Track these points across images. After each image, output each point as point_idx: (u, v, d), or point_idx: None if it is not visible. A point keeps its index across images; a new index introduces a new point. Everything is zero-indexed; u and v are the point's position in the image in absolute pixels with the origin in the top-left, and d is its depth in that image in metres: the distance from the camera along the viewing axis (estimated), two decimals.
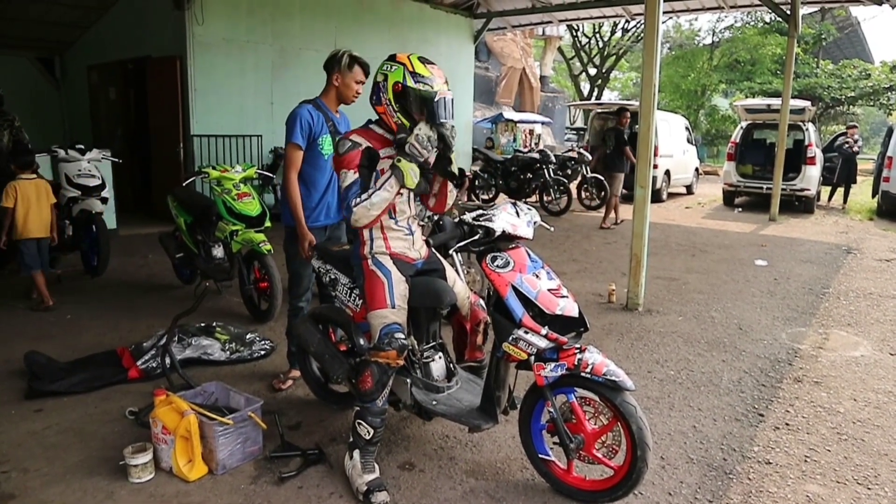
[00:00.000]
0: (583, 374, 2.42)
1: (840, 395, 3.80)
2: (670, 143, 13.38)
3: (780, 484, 2.83)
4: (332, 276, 3.03)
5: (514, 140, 19.24)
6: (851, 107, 28.19)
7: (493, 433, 3.13)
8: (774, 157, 11.11)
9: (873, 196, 13.01)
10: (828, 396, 3.79)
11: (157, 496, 2.62)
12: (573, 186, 11.59)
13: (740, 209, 12.54)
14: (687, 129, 15.08)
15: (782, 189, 11.13)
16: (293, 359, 3.70)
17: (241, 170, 5.33)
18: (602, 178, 11.41)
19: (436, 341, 2.97)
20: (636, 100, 14.72)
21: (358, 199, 2.54)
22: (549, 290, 2.51)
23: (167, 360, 3.63)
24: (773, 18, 23.98)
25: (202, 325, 4.31)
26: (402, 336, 2.60)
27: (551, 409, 2.54)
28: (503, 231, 2.56)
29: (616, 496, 2.53)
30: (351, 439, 2.70)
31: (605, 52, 25.28)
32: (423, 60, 2.62)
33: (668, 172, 13.29)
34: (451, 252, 3.37)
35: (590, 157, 11.64)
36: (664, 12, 10.24)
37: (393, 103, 2.61)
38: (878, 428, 3.39)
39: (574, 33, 24.98)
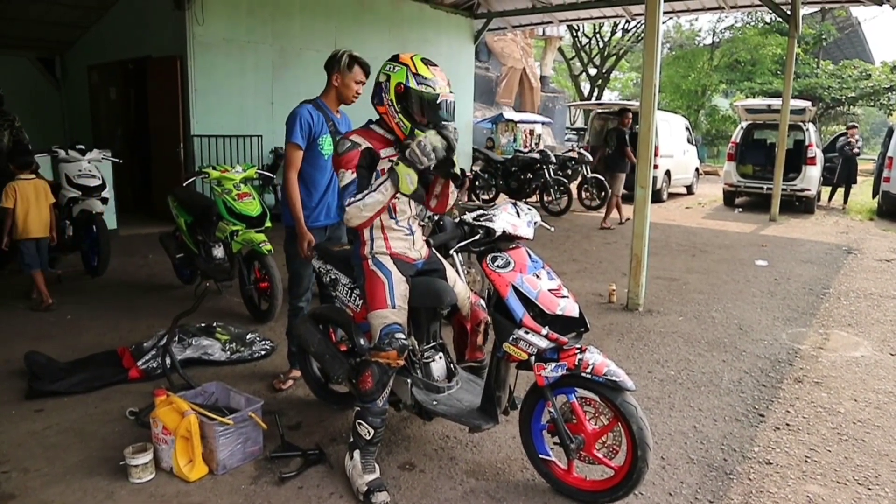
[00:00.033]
0: (583, 374, 2.42)
1: (840, 396, 3.80)
2: (671, 143, 13.38)
3: (781, 484, 2.83)
4: (333, 277, 3.03)
5: (515, 140, 19.23)
6: (852, 107, 28.20)
7: (494, 433, 3.13)
8: (775, 157, 11.10)
9: (874, 196, 13.01)
10: (828, 397, 3.78)
11: (158, 496, 2.62)
12: (573, 187, 11.59)
13: (741, 209, 12.54)
14: (687, 129, 15.08)
15: (783, 189, 11.13)
16: (293, 359, 3.70)
17: (242, 170, 5.33)
18: (602, 179, 11.43)
19: (436, 341, 2.97)
20: (636, 100, 14.73)
21: (352, 199, 2.54)
22: (549, 290, 2.51)
23: (167, 361, 3.63)
24: (773, 19, 23.99)
25: (202, 325, 4.31)
26: (403, 336, 2.60)
27: (552, 410, 2.54)
28: (504, 231, 2.56)
29: (616, 496, 2.53)
30: (351, 439, 2.70)
31: (606, 53, 25.28)
32: (426, 62, 2.62)
33: (668, 172, 13.29)
34: (451, 252, 3.37)
35: (590, 158, 11.65)
36: (664, 12, 10.23)
37: (395, 104, 2.61)
38: (878, 428, 3.39)
39: (574, 33, 24.98)
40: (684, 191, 15.23)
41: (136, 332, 4.56)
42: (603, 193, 11.41)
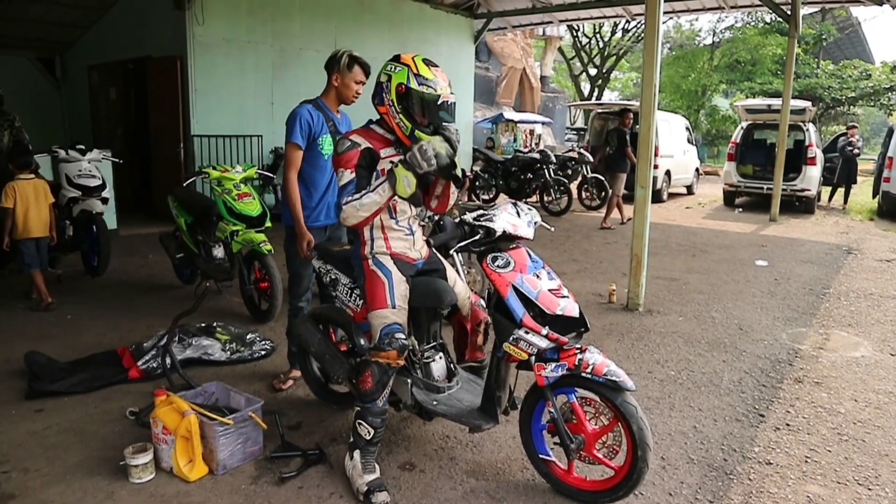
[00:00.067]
0: (583, 374, 2.42)
1: (841, 396, 3.80)
2: (671, 143, 13.38)
3: (781, 484, 2.83)
4: (333, 277, 3.03)
5: (515, 140, 19.23)
6: (852, 107, 28.20)
7: (494, 433, 3.13)
8: (775, 157, 11.11)
9: (874, 196, 13.01)
10: (828, 397, 3.78)
11: (158, 496, 2.62)
12: (573, 187, 11.59)
13: (741, 209, 12.54)
14: (687, 129, 15.08)
15: (783, 189, 11.13)
16: (293, 359, 3.70)
17: (242, 170, 5.33)
18: (602, 179, 11.43)
19: (436, 341, 2.97)
20: (636, 100, 14.73)
21: (349, 198, 2.53)
22: (549, 290, 2.51)
23: (167, 361, 3.63)
24: (773, 19, 23.99)
25: (202, 325, 4.31)
26: (403, 336, 2.60)
27: (552, 410, 2.54)
28: (504, 231, 2.56)
29: (617, 496, 2.53)
30: (351, 439, 2.70)
31: (606, 53, 25.28)
32: (428, 63, 2.62)
33: (668, 173, 13.29)
34: (451, 252, 3.37)
35: (590, 158, 11.65)
36: (665, 12, 10.23)
37: (395, 104, 2.61)
38: (878, 428, 3.39)
39: (574, 33, 24.98)
40: (684, 191, 15.23)
41: (137, 332, 4.56)
42: (603, 193, 11.42)
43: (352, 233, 2.88)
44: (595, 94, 25.34)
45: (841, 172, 13.07)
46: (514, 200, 2.78)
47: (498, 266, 2.54)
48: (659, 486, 2.77)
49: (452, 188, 2.77)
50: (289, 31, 9.79)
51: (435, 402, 2.78)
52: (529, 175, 11.18)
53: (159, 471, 2.77)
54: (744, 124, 13.22)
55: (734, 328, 5.03)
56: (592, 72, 25.67)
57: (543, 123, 21.60)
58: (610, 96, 32.29)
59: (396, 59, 2.64)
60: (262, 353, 4.20)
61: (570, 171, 11.83)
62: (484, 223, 2.58)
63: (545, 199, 10.99)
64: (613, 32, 25.14)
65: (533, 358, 2.48)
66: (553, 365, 2.47)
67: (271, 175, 7.02)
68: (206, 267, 5.30)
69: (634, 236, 5.35)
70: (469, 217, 2.65)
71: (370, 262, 2.73)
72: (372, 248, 2.75)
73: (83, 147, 6.11)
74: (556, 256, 7.53)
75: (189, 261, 5.53)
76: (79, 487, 2.66)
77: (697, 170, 16.01)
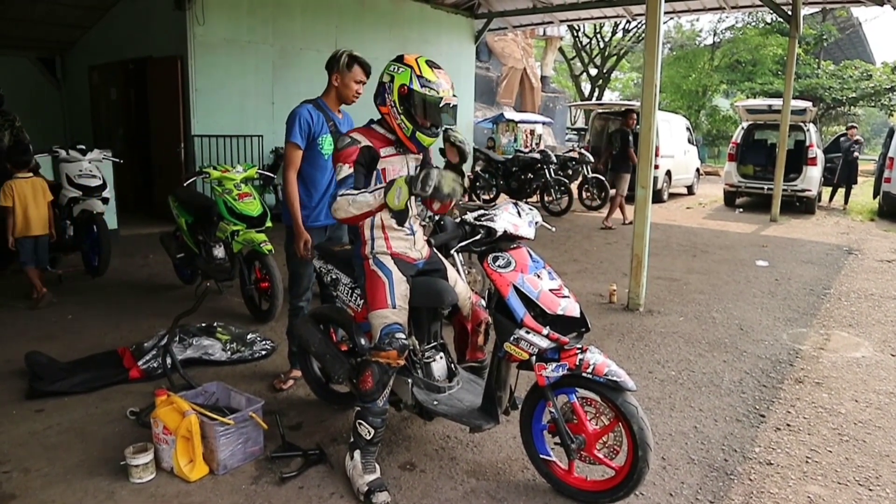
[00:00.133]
0: (584, 374, 2.41)
1: (841, 396, 3.80)
2: (671, 143, 13.38)
3: (782, 485, 2.83)
4: (334, 276, 3.03)
5: (515, 140, 19.21)
6: (852, 107, 28.17)
7: (494, 433, 3.13)
8: (775, 157, 11.10)
9: (874, 197, 13.00)
10: (829, 397, 3.78)
11: (158, 496, 2.61)
12: (574, 187, 11.59)
13: (741, 210, 12.54)
14: (688, 129, 15.08)
15: (783, 190, 11.13)
16: (294, 359, 3.70)
17: (242, 170, 5.33)
18: (602, 179, 11.43)
19: (437, 341, 2.97)
20: (637, 100, 14.72)
21: (345, 192, 2.52)
22: (550, 290, 2.51)
23: (168, 361, 3.64)
24: (774, 19, 23.99)
25: (203, 325, 4.31)
26: (403, 336, 2.60)
27: (552, 410, 2.53)
28: (505, 231, 2.56)
29: (617, 497, 2.53)
30: (351, 439, 2.70)
31: (606, 53, 25.27)
32: (431, 64, 2.62)
33: (669, 173, 13.29)
34: (452, 252, 3.37)
35: (591, 158, 11.64)
36: (665, 13, 10.24)
37: (397, 105, 2.60)
38: (879, 429, 3.39)
39: (575, 34, 24.97)
40: (685, 191, 15.22)
41: (137, 332, 4.56)
42: (603, 193, 11.42)
43: (352, 232, 2.88)
44: (595, 94, 25.34)
45: (841, 173, 13.06)
46: (514, 200, 2.78)
47: (499, 266, 2.54)
48: (659, 487, 2.77)
49: None
50: (289, 31, 9.79)
51: (435, 402, 2.78)
52: (530, 175, 11.18)
53: (160, 471, 2.77)
54: (744, 124, 13.22)
55: (735, 328, 5.03)
56: (593, 72, 25.67)
57: (544, 123, 21.58)
58: (610, 96, 32.29)
59: (400, 59, 2.64)
60: (263, 353, 4.20)
61: (570, 172, 11.84)
62: (485, 223, 2.58)
63: (546, 199, 10.99)
64: (614, 32, 25.14)
65: (534, 358, 2.48)
66: (554, 365, 2.47)
67: (272, 175, 7.02)
68: (206, 267, 5.30)
69: (635, 236, 5.35)
70: (470, 217, 2.65)
71: (371, 261, 2.73)
72: (372, 247, 2.75)
73: (84, 147, 6.11)
74: (556, 256, 7.53)
75: (189, 261, 5.52)
76: (79, 487, 2.66)
77: (698, 170, 16.01)
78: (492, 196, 12.03)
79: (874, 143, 32.04)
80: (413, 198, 2.43)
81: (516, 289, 2.48)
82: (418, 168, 2.88)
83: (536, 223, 2.69)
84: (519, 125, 19.49)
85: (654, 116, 5.21)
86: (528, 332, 2.45)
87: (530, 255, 2.63)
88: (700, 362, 4.29)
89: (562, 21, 15.48)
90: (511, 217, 2.61)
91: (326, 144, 3.48)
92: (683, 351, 4.50)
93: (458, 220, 2.58)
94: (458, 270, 3.46)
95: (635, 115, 9.83)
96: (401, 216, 2.49)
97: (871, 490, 2.81)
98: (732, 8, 12.61)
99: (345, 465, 2.74)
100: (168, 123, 8.87)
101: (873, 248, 8.71)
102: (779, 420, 3.47)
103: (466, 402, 2.81)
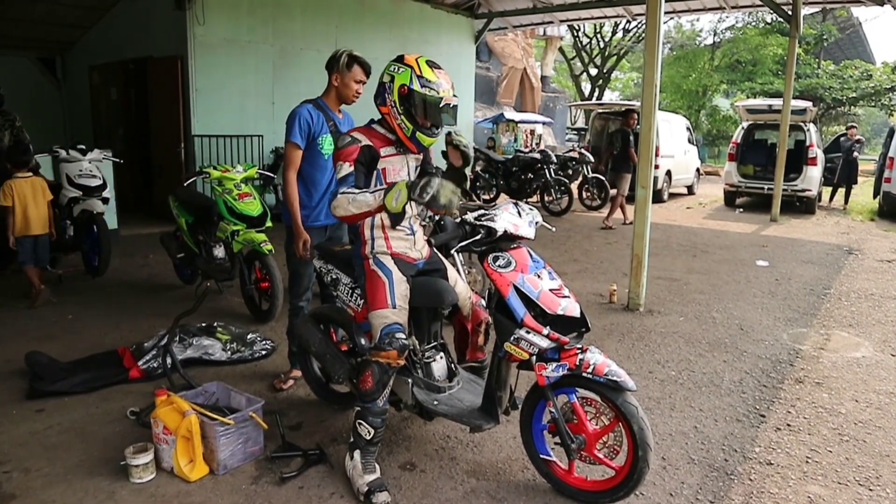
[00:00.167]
0: (584, 374, 2.41)
1: (841, 396, 3.80)
2: (671, 143, 13.38)
3: (782, 485, 2.83)
4: (334, 276, 3.03)
5: (516, 140, 19.21)
6: (853, 107, 28.16)
7: (495, 433, 3.13)
8: (776, 157, 11.10)
9: (874, 197, 13.00)
10: (829, 397, 3.78)
11: (159, 496, 2.62)
12: (574, 187, 11.59)
13: (741, 210, 12.54)
14: (688, 129, 15.08)
15: (783, 190, 11.12)
16: (294, 359, 3.70)
17: (243, 170, 5.33)
18: (602, 179, 11.43)
19: (437, 341, 2.97)
20: (637, 100, 14.72)
21: (346, 189, 2.50)
22: (550, 290, 2.51)
23: (168, 361, 3.64)
24: (774, 19, 23.98)
25: (203, 325, 4.31)
26: (403, 336, 2.60)
27: (553, 410, 2.53)
28: (505, 231, 2.55)
29: (617, 497, 2.53)
30: (351, 440, 2.70)
31: (607, 53, 25.27)
32: (431, 64, 2.62)
33: (669, 173, 13.29)
34: (452, 252, 3.36)
35: (591, 158, 11.64)
36: (665, 13, 10.24)
37: (397, 105, 2.60)
38: (879, 429, 3.39)
39: (575, 33, 24.97)
40: (685, 191, 15.22)
41: (137, 331, 4.56)
42: (603, 193, 11.42)
43: (352, 232, 2.88)
44: (596, 94, 25.33)
45: (841, 173, 13.06)
46: (514, 200, 2.78)
47: (499, 266, 2.54)
48: (660, 487, 2.77)
49: None
50: (289, 31, 9.79)
51: (436, 402, 2.78)
52: (530, 175, 11.18)
53: (160, 471, 2.77)
54: (744, 124, 13.22)
55: (735, 328, 5.03)
56: (593, 72, 25.67)
57: (544, 123, 21.59)
58: (610, 96, 32.29)
59: (400, 59, 2.64)
60: (263, 352, 4.20)
61: (570, 171, 11.83)
62: (485, 223, 2.57)
63: (546, 199, 10.99)
64: (614, 32, 25.14)
65: (534, 358, 2.48)
66: (554, 365, 2.47)
67: (272, 175, 7.02)
68: (206, 267, 5.30)
69: (635, 236, 5.35)
70: (470, 217, 2.64)
71: (371, 261, 2.73)
72: (373, 247, 2.75)
73: (84, 147, 6.11)
74: (556, 256, 7.53)
75: (190, 261, 5.53)
76: (80, 487, 2.66)
77: (698, 170, 16.01)
78: (492, 196, 12.03)
79: (874, 143, 32.03)
80: (411, 202, 2.42)
81: (516, 289, 2.48)
82: (418, 168, 2.89)
83: (537, 223, 2.69)
84: (519, 125, 19.50)
85: (654, 116, 5.21)
86: (528, 332, 2.45)
87: (530, 255, 2.63)
88: (700, 362, 4.29)
89: (562, 21, 15.48)
90: (511, 217, 2.60)
91: (326, 144, 3.48)
92: (683, 351, 4.50)
93: (458, 220, 2.58)
94: (458, 270, 3.46)
95: (636, 115, 9.83)
96: (396, 219, 2.47)
97: (871, 490, 2.81)
98: (732, 8, 12.61)
99: (345, 465, 2.74)
100: (168, 123, 8.87)
101: (873, 248, 8.71)
102: (779, 420, 3.47)
103: (466, 402, 2.81)
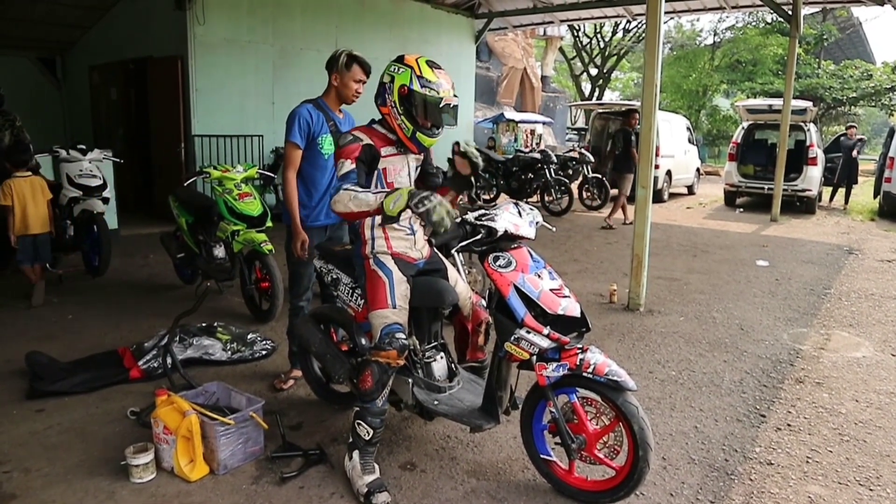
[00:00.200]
0: (585, 374, 2.41)
1: (842, 396, 3.79)
2: (672, 143, 13.38)
3: (782, 485, 2.83)
4: (334, 276, 3.03)
5: (516, 140, 19.21)
6: (853, 107, 28.17)
7: (495, 433, 3.13)
8: (776, 157, 11.10)
9: (875, 197, 13.00)
10: (829, 397, 3.78)
11: (159, 496, 2.61)
12: (574, 187, 11.59)
13: (741, 209, 12.54)
14: (688, 129, 15.08)
15: (784, 189, 11.13)
16: (294, 359, 3.70)
17: (243, 170, 5.33)
18: (602, 178, 11.42)
19: (437, 341, 2.97)
20: (637, 100, 14.71)
21: (350, 186, 2.47)
22: (551, 289, 2.51)
23: (168, 360, 3.64)
24: (774, 19, 23.98)
25: (203, 325, 4.31)
26: (403, 336, 2.60)
27: (553, 410, 2.53)
28: (505, 231, 2.55)
29: (618, 497, 2.53)
30: (350, 440, 2.70)
31: (607, 53, 25.26)
32: (431, 64, 2.61)
33: (669, 173, 13.29)
34: (452, 252, 3.36)
35: (591, 158, 11.64)
36: (665, 13, 10.24)
37: (398, 106, 2.60)
38: (880, 429, 3.39)
39: (575, 33, 24.97)
40: (685, 191, 15.22)
41: (137, 331, 4.56)
42: (604, 193, 11.42)
43: (353, 232, 2.88)
44: (596, 94, 25.33)
45: (841, 173, 13.07)
46: (515, 200, 2.78)
47: (499, 265, 2.53)
48: (660, 487, 2.77)
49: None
50: (290, 31, 9.79)
51: (436, 402, 2.78)
52: (530, 175, 11.17)
53: (160, 471, 2.77)
54: (745, 124, 13.22)
55: (735, 328, 5.03)
56: (593, 72, 25.66)
57: (544, 123, 21.59)
58: (611, 96, 32.28)
59: (400, 59, 2.64)
60: (263, 352, 4.20)
61: (570, 171, 11.82)
62: (486, 223, 2.57)
63: (546, 198, 10.98)
64: (614, 32, 25.13)
65: (534, 358, 2.47)
66: (554, 365, 2.47)
67: (272, 175, 7.02)
68: (206, 267, 5.30)
69: (635, 236, 5.35)
70: (471, 217, 2.64)
71: (371, 261, 2.73)
72: (373, 247, 2.75)
73: (84, 147, 6.11)
74: (557, 256, 7.53)
75: (190, 261, 5.52)
76: (80, 487, 2.66)
77: (698, 170, 16.01)
78: (492, 196, 12.03)
79: (874, 143, 32.02)
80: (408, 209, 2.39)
81: (517, 288, 2.48)
82: (419, 168, 2.89)
83: (537, 223, 2.69)
84: (519, 125, 19.50)
85: (654, 116, 5.21)
86: (528, 332, 2.44)
87: (531, 255, 2.63)
88: (700, 362, 4.29)
89: (562, 21, 15.48)
90: (512, 217, 2.60)
91: (326, 144, 3.48)
92: (684, 351, 4.50)
93: (458, 219, 2.58)
94: (458, 270, 3.46)
95: (637, 115, 9.82)
96: (388, 221, 2.45)
97: (871, 490, 2.81)
98: (733, 8, 12.61)
99: (344, 465, 2.73)
100: (168, 123, 8.87)
101: (874, 248, 8.71)
102: (779, 420, 3.46)
103: (467, 402, 2.80)
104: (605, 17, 15.40)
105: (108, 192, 6.19)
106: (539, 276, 2.54)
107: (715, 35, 29.15)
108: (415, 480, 2.78)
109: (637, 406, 2.41)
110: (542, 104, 27.12)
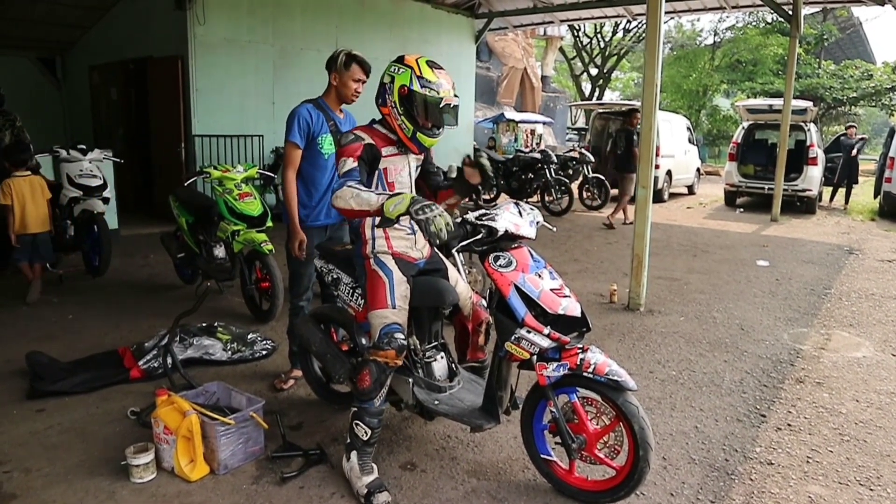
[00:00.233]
0: (585, 373, 2.41)
1: (842, 396, 3.79)
2: (672, 143, 13.38)
3: (783, 485, 2.83)
4: (335, 276, 3.03)
5: (516, 140, 19.22)
6: (853, 107, 28.17)
7: (495, 433, 3.13)
8: (776, 157, 11.10)
9: (875, 197, 13.00)
10: (830, 397, 3.78)
11: (159, 496, 2.61)
12: (574, 186, 11.58)
13: (742, 209, 12.54)
14: (688, 129, 15.08)
15: (784, 189, 11.12)
16: (295, 358, 3.70)
17: (243, 170, 5.33)
18: (603, 178, 11.42)
19: (438, 341, 2.97)
20: (638, 100, 14.71)
21: (354, 183, 2.45)
22: (551, 289, 2.51)
23: (169, 360, 3.64)
24: (774, 19, 23.98)
25: (204, 325, 4.31)
26: (402, 336, 2.59)
27: (553, 409, 2.53)
28: (506, 231, 2.55)
29: (618, 496, 2.52)
30: (348, 441, 2.69)
31: (607, 53, 25.26)
32: (432, 65, 2.61)
33: (669, 173, 13.29)
34: (453, 252, 3.36)
35: (591, 158, 11.63)
36: (666, 12, 10.23)
37: (398, 106, 2.60)
38: (880, 429, 3.39)
39: (575, 33, 24.97)
40: (685, 191, 15.22)
41: (138, 331, 4.56)
42: (604, 193, 11.41)
43: (353, 232, 2.87)
44: (596, 94, 25.33)
45: (842, 172, 13.06)
46: (515, 200, 2.78)
47: (500, 265, 2.53)
48: (660, 487, 2.76)
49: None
50: (290, 31, 9.79)
51: (436, 402, 2.78)
52: (530, 175, 11.17)
53: (160, 471, 2.77)
54: (745, 124, 13.22)
55: (735, 328, 5.02)
56: (593, 72, 25.66)
57: (544, 123, 21.60)
58: (611, 96, 32.29)
59: (400, 60, 2.64)
60: (264, 352, 4.20)
61: (571, 171, 11.82)
62: (486, 222, 2.57)
63: (546, 198, 10.98)
64: (614, 32, 25.13)
65: (535, 357, 2.47)
66: (555, 364, 2.47)
67: (272, 175, 7.02)
68: (207, 267, 5.30)
69: (636, 236, 5.35)
70: (471, 216, 2.64)
71: (371, 261, 2.73)
72: (373, 247, 2.75)
73: (84, 147, 6.11)
74: (557, 256, 7.53)
75: (190, 260, 5.52)
76: (80, 487, 2.66)
77: (699, 170, 16.01)
78: (492, 196, 12.02)
79: (875, 143, 32.03)
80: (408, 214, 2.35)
81: (517, 288, 2.48)
82: (419, 168, 2.89)
83: (537, 223, 2.69)
84: (519, 125, 19.51)
85: (654, 116, 5.21)
86: (529, 332, 2.44)
87: (531, 255, 2.63)
88: (701, 362, 4.28)
89: (562, 21, 15.47)
90: (512, 217, 2.60)
91: (326, 144, 3.48)
92: (684, 351, 4.50)
93: (458, 219, 2.58)
94: (458, 270, 3.46)
95: (639, 115, 9.80)
96: (385, 223, 2.43)
97: (872, 490, 2.81)
98: (733, 8, 12.60)
99: (342, 467, 2.73)
100: (168, 123, 8.87)
101: (874, 248, 8.71)
102: (780, 420, 3.46)
103: (467, 402, 2.80)
104: (606, 17, 15.40)
105: (109, 192, 6.19)
106: (539, 276, 2.54)
107: (715, 35, 29.19)
108: (415, 480, 2.78)
109: (637, 406, 2.41)
110: (543, 104, 27.13)
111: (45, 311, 5.07)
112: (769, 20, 25.41)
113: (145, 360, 3.78)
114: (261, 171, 5.94)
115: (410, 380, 2.80)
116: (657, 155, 10.53)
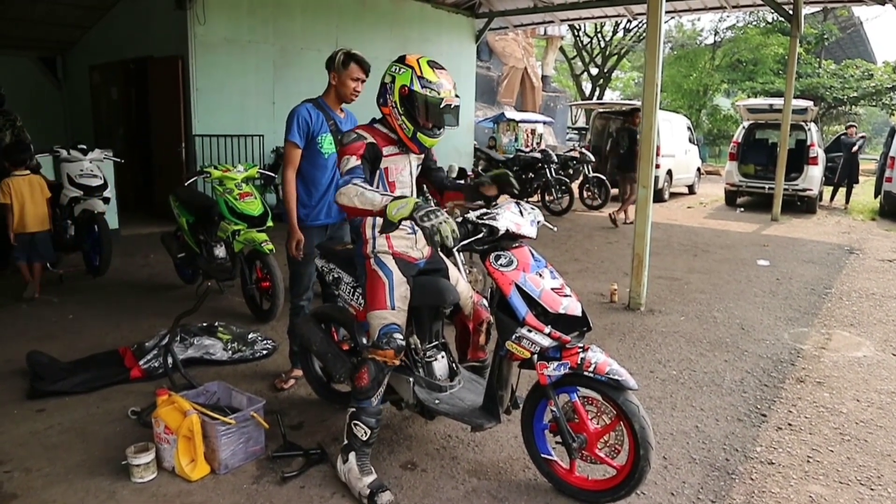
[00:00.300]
0: (586, 373, 2.41)
1: (843, 396, 3.79)
2: (672, 142, 13.38)
3: (783, 484, 2.83)
4: (336, 275, 3.03)
5: (516, 140, 19.23)
6: (854, 107, 28.16)
7: (496, 433, 3.13)
8: (776, 157, 11.09)
9: (875, 196, 12.99)
10: (830, 397, 3.78)
11: (160, 496, 2.61)
12: (575, 186, 11.58)
13: (742, 209, 12.53)
14: (689, 128, 15.08)
15: (784, 189, 11.12)
16: (295, 358, 3.70)
17: (243, 169, 5.34)
18: (603, 178, 11.41)
19: (438, 340, 2.97)
20: (638, 99, 14.71)
21: (359, 181, 2.45)
22: (552, 288, 2.51)
23: (169, 360, 3.64)
24: (775, 18, 23.99)
25: (204, 324, 4.31)
26: (400, 337, 2.59)
27: (554, 409, 2.53)
28: (507, 230, 2.55)
29: (618, 496, 2.52)
30: (345, 442, 2.68)
31: (607, 52, 25.27)
32: (433, 65, 2.61)
33: (670, 172, 13.29)
34: (453, 251, 3.35)
35: (592, 157, 11.63)
36: (666, 12, 10.23)
37: (398, 106, 2.60)
38: (880, 428, 3.39)
39: (576, 33, 24.97)
40: (686, 190, 15.22)
41: (138, 331, 4.56)
42: (604, 193, 11.41)
43: (354, 231, 2.88)
44: (596, 93, 25.33)
45: (842, 172, 13.06)
46: (516, 200, 2.78)
47: (501, 264, 2.53)
48: (661, 486, 2.76)
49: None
50: (290, 31, 9.79)
51: (437, 401, 2.78)
52: (531, 174, 11.17)
53: (161, 470, 2.77)
54: (745, 124, 13.22)
55: (736, 328, 5.02)
56: (594, 71, 25.66)
57: (545, 123, 21.60)
58: (611, 96, 32.30)
59: (401, 60, 2.63)
60: (264, 352, 4.20)
61: (571, 171, 11.83)
62: (487, 222, 2.57)
63: (547, 198, 10.98)
64: (615, 32, 25.13)
65: (535, 357, 2.47)
66: (555, 364, 2.47)
67: (273, 174, 7.02)
68: (207, 266, 5.30)
69: (636, 236, 5.35)
70: (472, 216, 2.64)
71: (372, 261, 2.73)
72: (374, 246, 2.75)
73: (84, 147, 6.11)
74: (557, 256, 7.53)
75: (190, 260, 5.53)
76: (81, 487, 2.66)
77: (699, 169, 16.01)
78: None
79: (875, 143, 32.03)
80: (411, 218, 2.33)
81: (518, 287, 2.48)
82: (419, 167, 2.89)
83: (538, 222, 2.69)
84: (520, 125, 19.51)
85: (655, 116, 5.21)
86: (530, 331, 2.44)
87: (532, 254, 2.63)
88: (701, 361, 4.28)
89: (562, 20, 15.46)
90: (513, 216, 2.60)
91: (326, 143, 3.48)
92: (685, 350, 4.50)
93: (459, 219, 2.57)
94: (459, 270, 3.46)
95: (640, 114, 9.80)
96: (387, 226, 2.42)
97: (872, 490, 2.80)
98: (733, 7, 12.59)
99: (337, 469, 2.71)
100: (169, 123, 8.87)
101: (874, 248, 8.70)
102: (780, 419, 3.46)
103: (468, 402, 2.80)
104: (606, 16, 15.40)
105: (109, 192, 6.20)
106: (540, 276, 2.54)
107: (716, 34, 29.19)
108: (416, 480, 2.78)
109: (638, 405, 2.41)
110: (543, 104, 27.13)
111: (46, 311, 5.07)
112: (770, 20, 25.43)
113: (146, 360, 3.78)
114: (261, 170, 5.95)
115: (411, 379, 2.80)
116: (658, 154, 10.52)
